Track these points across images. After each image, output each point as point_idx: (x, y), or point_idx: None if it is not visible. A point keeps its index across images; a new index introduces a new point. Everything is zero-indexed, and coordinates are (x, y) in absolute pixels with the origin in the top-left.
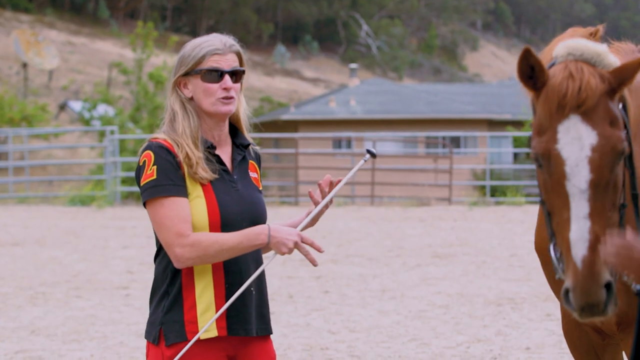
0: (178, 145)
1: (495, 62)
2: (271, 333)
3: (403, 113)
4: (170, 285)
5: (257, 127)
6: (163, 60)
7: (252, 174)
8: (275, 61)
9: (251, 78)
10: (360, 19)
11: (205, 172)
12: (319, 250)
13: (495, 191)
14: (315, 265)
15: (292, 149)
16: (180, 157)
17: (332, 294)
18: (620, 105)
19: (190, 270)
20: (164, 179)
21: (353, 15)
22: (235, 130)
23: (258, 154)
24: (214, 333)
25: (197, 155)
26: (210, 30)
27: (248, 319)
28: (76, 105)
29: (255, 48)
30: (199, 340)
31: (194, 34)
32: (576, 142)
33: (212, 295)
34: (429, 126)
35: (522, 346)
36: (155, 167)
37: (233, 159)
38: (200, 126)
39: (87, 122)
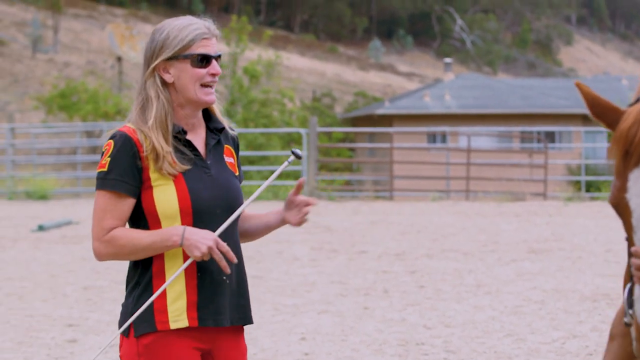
0: (146, 137)
1: (589, 57)
2: (250, 323)
3: (498, 108)
4: (142, 275)
5: (352, 122)
6: (258, 55)
7: (228, 159)
8: (370, 56)
9: (345, 72)
10: (455, 13)
11: (171, 167)
12: (232, 260)
13: (590, 186)
14: (226, 272)
15: (386, 143)
16: (146, 150)
17: (427, 289)
18: None
19: (161, 259)
20: (112, 173)
21: (447, 9)
22: (208, 114)
23: (235, 138)
24: (184, 323)
25: (166, 149)
26: (305, 24)
27: (220, 310)
28: None
29: (350, 42)
30: (169, 331)
31: (289, 28)
32: None
33: (183, 284)
34: (524, 121)
35: None
36: (109, 159)
37: (207, 144)
38: (175, 113)
39: None
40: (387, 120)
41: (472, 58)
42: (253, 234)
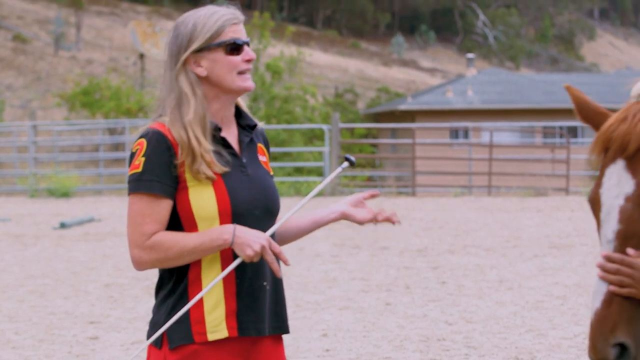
0: (182, 136)
1: (612, 52)
2: (287, 332)
3: (520, 103)
4: (177, 282)
5: (374, 118)
6: (280, 51)
7: (262, 157)
8: (392, 51)
9: (368, 68)
10: (477, 8)
11: (208, 169)
12: (285, 262)
13: None
14: (278, 276)
15: (409, 139)
16: (181, 153)
17: (448, 285)
18: None
19: (198, 266)
20: (148, 174)
21: (469, 4)
22: (238, 110)
23: (265, 137)
24: (223, 334)
25: (205, 147)
26: (327, 20)
27: (261, 318)
28: None
29: (372, 38)
30: (207, 343)
31: (311, 24)
32: (614, 188)
33: (222, 291)
34: (546, 116)
35: None
36: (143, 158)
37: (240, 141)
38: (209, 108)
39: None
40: (410, 116)
41: (495, 53)
42: (293, 235)
